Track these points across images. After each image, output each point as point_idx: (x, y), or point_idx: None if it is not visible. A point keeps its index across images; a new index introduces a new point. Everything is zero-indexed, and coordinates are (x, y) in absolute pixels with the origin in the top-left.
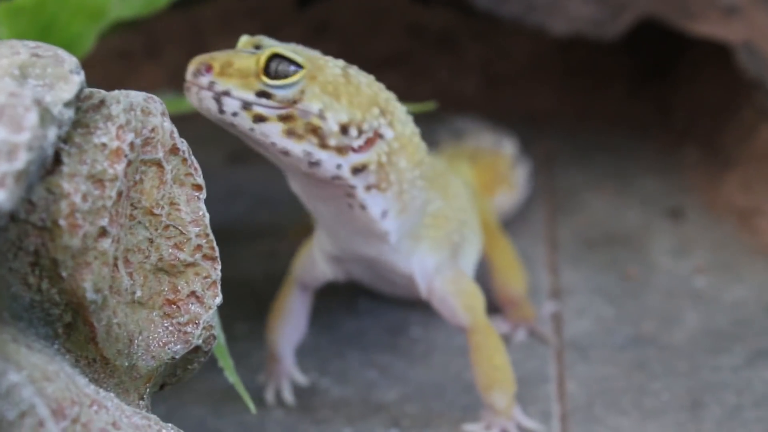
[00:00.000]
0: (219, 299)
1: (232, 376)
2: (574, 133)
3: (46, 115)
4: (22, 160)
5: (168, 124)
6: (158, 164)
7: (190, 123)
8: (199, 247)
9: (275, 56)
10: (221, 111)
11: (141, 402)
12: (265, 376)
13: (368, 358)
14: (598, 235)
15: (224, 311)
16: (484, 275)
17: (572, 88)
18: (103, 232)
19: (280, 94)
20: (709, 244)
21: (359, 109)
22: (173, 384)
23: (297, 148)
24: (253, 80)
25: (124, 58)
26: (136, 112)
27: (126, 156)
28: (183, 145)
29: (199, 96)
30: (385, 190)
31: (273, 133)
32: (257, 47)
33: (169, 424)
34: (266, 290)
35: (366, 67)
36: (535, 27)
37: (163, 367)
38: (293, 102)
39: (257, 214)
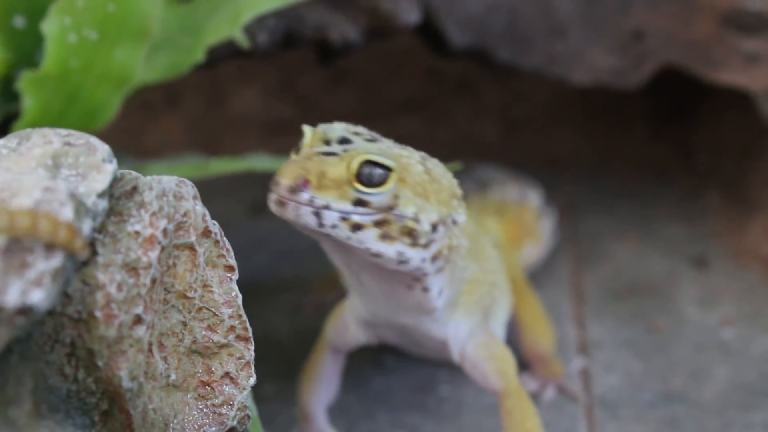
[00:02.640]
0: (253, 379)
1: None
2: (595, 178)
3: (80, 208)
4: (59, 257)
5: (200, 208)
6: (191, 248)
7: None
8: (232, 328)
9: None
10: (320, 225)
11: None
12: None
13: (397, 418)
14: (623, 285)
15: None
16: (511, 331)
17: (592, 132)
18: (138, 320)
19: (376, 201)
20: (736, 293)
21: (445, 206)
22: None
23: (390, 250)
24: (347, 189)
25: (144, 108)
26: (169, 197)
27: (159, 243)
28: (215, 227)
29: (297, 212)
30: (445, 270)
31: (369, 239)
32: (327, 141)
33: None
34: (292, 347)
35: (385, 112)
36: (557, 78)
37: None
38: (389, 208)
39: (280, 267)
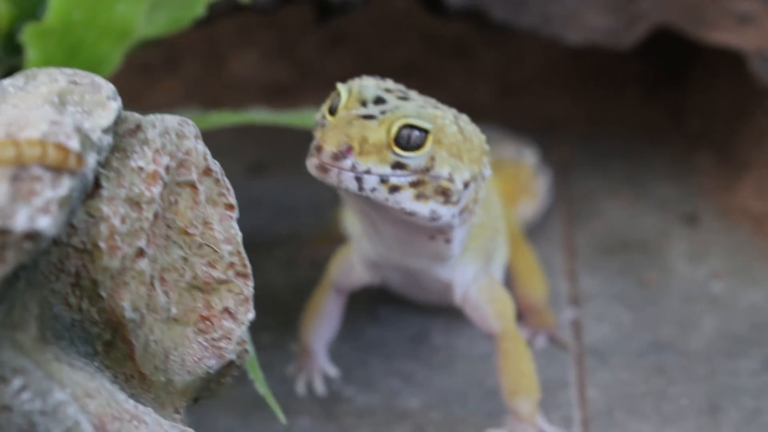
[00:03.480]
0: (251, 315)
1: (262, 387)
2: (589, 139)
3: (86, 142)
4: (65, 186)
5: (201, 147)
6: (192, 186)
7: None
8: (231, 264)
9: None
10: (361, 189)
11: (176, 416)
12: (296, 369)
13: (391, 366)
14: (614, 241)
15: None
16: (506, 282)
17: (586, 95)
18: (140, 253)
19: (413, 163)
20: (725, 249)
21: (476, 164)
22: (207, 398)
23: (424, 209)
24: (386, 153)
25: (144, 71)
26: (171, 135)
27: (162, 179)
28: (216, 166)
29: (339, 177)
30: (467, 222)
31: (405, 199)
32: (363, 102)
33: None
34: (288, 299)
35: (382, 75)
36: (551, 38)
37: (197, 382)
38: (425, 169)
39: (277, 223)
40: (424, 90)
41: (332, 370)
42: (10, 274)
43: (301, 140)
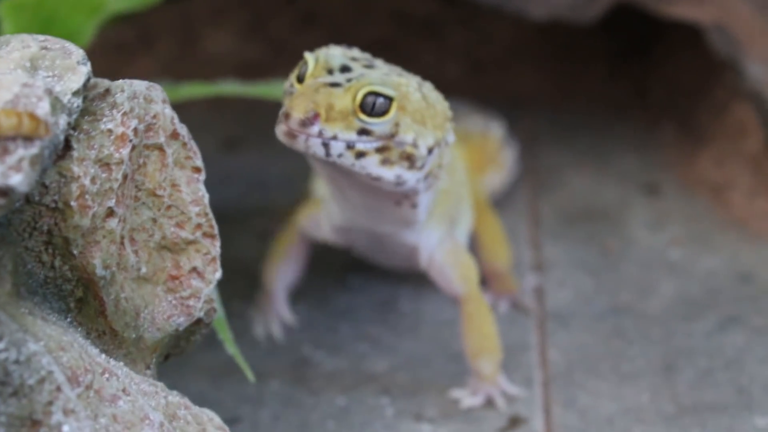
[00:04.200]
0: (219, 274)
1: (231, 347)
2: (556, 113)
3: (56, 104)
4: (37, 145)
5: (169, 111)
6: (160, 148)
7: (183, 110)
8: (199, 225)
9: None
10: (328, 154)
11: (147, 371)
12: (255, 311)
13: (359, 332)
14: (578, 210)
15: (220, 290)
16: (471, 248)
17: (553, 71)
18: (110, 213)
19: (378, 129)
20: (684, 217)
21: (439, 130)
22: (177, 355)
23: (389, 173)
24: (352, 119)
25: (119, 49)
26: (139, 99)
27: (131, 141)
28: (183, 130)
29: (307, 143)
30: (432, 187)
31: (371, 165)
32: (330, 70)
33: (174, 391)
34: (258, 270)
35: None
36: (515, 13)
37: (167, 339)
38: (390, 135)
39: (250, 197)
40: (396, 65)
41: (289, 318)
42: None
43: (273, 116)
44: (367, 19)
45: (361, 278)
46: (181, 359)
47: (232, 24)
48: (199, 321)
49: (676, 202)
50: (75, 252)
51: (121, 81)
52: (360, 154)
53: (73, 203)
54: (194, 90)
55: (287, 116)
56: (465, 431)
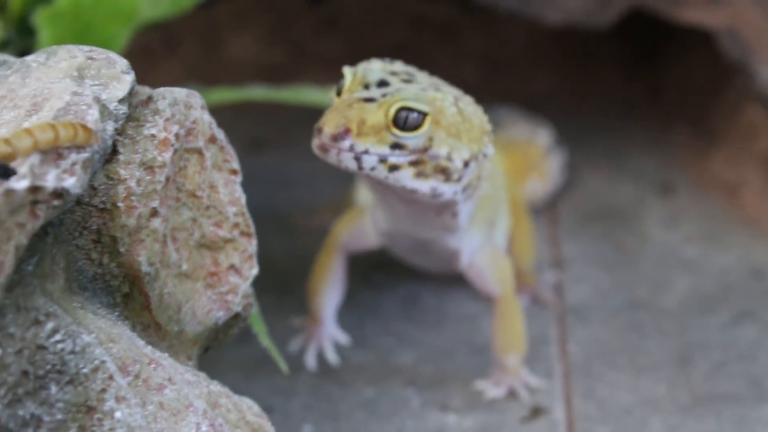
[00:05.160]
0: (255, 270)
1: (265, 340)
2: (572, 115)
3: (104, 111)
4: (88, 150)
5: (207, 116)
6: (199, 152)
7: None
8: (236, 225)
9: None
10: (360, 168)
11: (189, 363)
12: (304, 340)
13: (385, 327)
14: (594, 209)
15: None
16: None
17: (569, 74)
18: (154, 213)
19: (411, 143)
20: (698, 215)
21: (476, 143)
22: (216, 347)
23: (424, 186)
24: (385, 134)
25: (144, 54)
26: (180, 106)
27: (172, 145)
28: (220, 134)
29: (339, 157)
30: (473, 196)
31: (405, 178)
32: (366, 85)
33: (215, 381)
34: (287, 265)
35: (373, 56)
36: (532, 18)
37: (207, 332)
38: (424, 149)
39: (276, 196)
40: None
41: (343, 337)
42: (39, 228)
43: (298, 118)
44: (386, 23)
45: (386, 276)
46: (214, 354)
47: (255, 28)
48: (237, 315)
49: (689, 201)
50: (122, 250)
51: (162, 89)
52: (393, 168)
53: (120, 204)
54: (222, 95)
55: (320, 131)
56: (489, 421)
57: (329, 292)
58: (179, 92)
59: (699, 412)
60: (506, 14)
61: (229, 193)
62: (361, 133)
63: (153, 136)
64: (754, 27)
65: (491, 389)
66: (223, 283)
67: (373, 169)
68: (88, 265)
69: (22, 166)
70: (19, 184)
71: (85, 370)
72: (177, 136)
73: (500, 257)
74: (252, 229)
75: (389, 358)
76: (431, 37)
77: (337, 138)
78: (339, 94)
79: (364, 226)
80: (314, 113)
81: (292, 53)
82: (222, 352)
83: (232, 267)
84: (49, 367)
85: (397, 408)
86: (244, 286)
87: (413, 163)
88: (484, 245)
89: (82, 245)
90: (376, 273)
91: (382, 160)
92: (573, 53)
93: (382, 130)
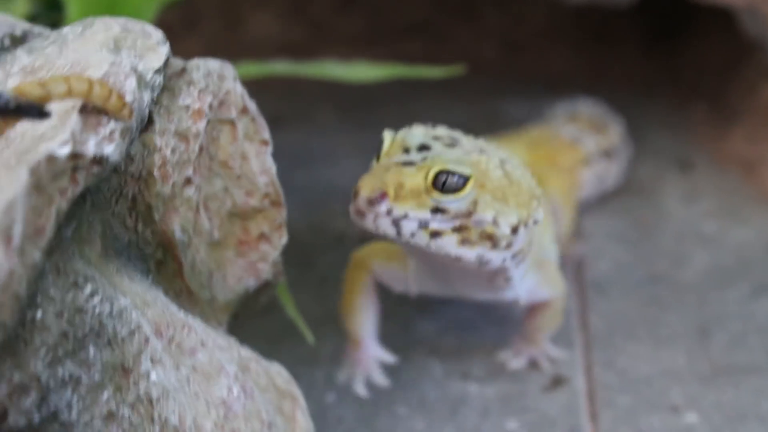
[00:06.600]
0: (285, 239)
1: (291, 310)
2: (591, 93)
3: (141, 81)
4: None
5: (239, 88)
6: (231, 123)
7: None
8: (266, 195)
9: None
10: (399, 233)
11: (220, 329)
12: (349, 368)
13: (406, 299)
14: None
15: None
16: None
17: (587, 52)
18: (188, 181)
19: (453, 207)
20: (716, 191)
21: (525, 208)
22: (245, 315)
23: (470, 254)
24: (425, 198)
25: (165, 31)
26: (213, 77)
27: (206, 115)
28: (252, 105)
29: (376, 223)
30: (526, 259)
31: (449, 245)
32: (406, 149)
33: (245, 346)
34: (307, 237)
35: (391, 35)
36: None
37: (238, 299)
38: (467, 214)
39: (295, 171)
40: (431, 48)
41: (389, 358)
42: (78, 195)
43: (317, 94)
44: (405, 2)
45: None
46: (239, 323)
47: (275, 6)
48: (267, 283)
49: (708, 177)
50: (156, 217)
51: (196, 60)
52: (435, 234)
53: (155, 172)
54: (246, 69)
55: (356, 194)
56: (510, 390)
57: (365, 312)
58: (213, 63)
59: (719, 382)
60: None
61: (260, 163)
62: (399, 197)
63: (187, 106)
64: None
65: (513, 359)
66: (254, 251)
67: (413, 235)
68: (123, 232)
69: (64, 132)
70: (61, 150)
71: (122, 333)
72: (210, 106)
73: (551, 272)
74: (282, 198)
75: (411, 329)
76: (450, 15)
77: (373, 202)
78: (378, 158)
79: (403, 274)
80: (333, 90)
81: (312, 31)
82: (244, 322)
83: (262, 235)
84: (87, 329)
85: (419, 376)
86: (274, 254)
87: (457, 229)
88: (538, 278)
89: (118, 212)
90: None
91: (423, 225)
92: (592, 32)
93: (422, 194)
